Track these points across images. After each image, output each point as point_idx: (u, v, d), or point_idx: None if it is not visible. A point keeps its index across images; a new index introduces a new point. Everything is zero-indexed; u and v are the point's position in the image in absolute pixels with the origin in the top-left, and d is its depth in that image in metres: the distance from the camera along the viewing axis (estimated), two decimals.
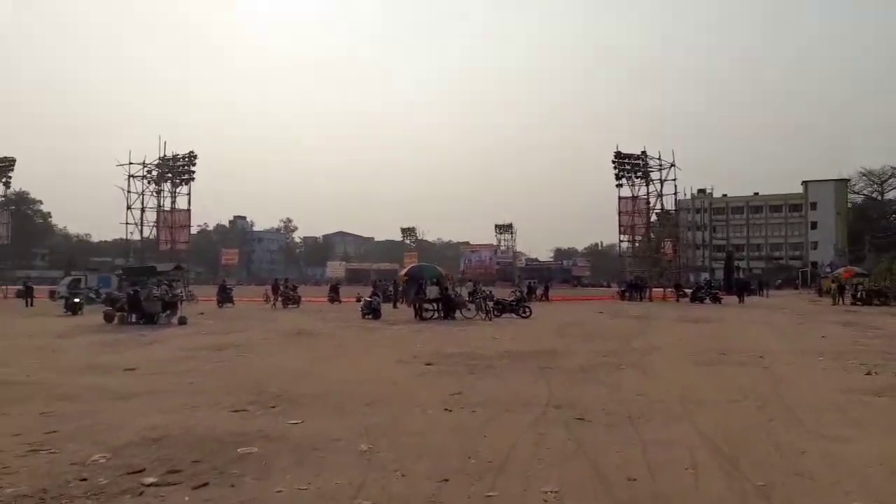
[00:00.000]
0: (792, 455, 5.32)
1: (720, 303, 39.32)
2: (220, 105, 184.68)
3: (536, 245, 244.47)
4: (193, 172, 46.67)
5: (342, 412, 7.09)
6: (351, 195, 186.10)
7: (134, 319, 21.69)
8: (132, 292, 21.79)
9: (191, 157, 46.53)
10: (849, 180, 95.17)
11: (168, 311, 22.21)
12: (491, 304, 25.02)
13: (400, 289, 32.54)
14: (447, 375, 9.75)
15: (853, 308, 34.85)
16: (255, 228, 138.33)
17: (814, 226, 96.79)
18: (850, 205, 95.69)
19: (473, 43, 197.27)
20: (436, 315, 23.94)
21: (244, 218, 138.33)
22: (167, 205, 47.23)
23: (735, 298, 45.52)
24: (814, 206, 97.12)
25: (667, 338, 16.60)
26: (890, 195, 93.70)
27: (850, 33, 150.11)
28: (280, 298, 33.56)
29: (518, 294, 27.65)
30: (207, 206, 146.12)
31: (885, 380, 9.43)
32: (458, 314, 24.17)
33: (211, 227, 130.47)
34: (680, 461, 5.10)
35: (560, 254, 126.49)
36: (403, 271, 29.65)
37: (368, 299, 25.00)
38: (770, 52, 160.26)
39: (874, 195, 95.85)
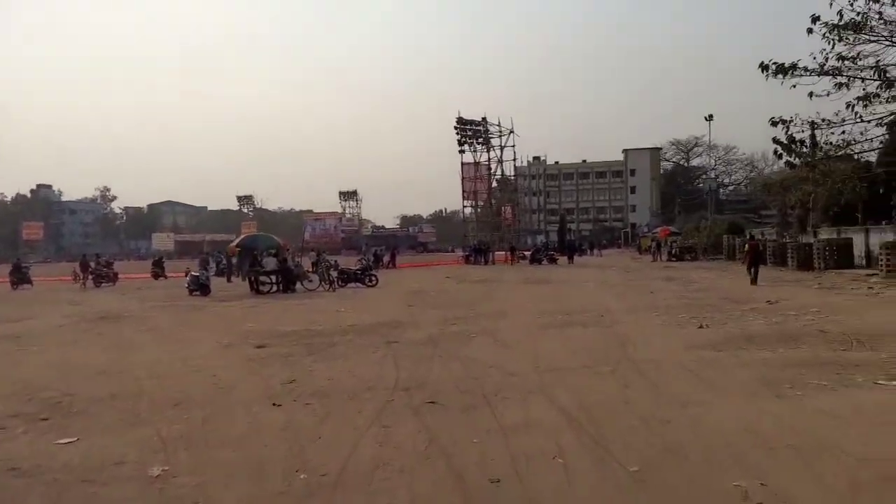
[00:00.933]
0: (658, 427, 4.89)
1: (556, 263, 41.45)
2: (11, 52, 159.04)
3: (382, 213, 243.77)
4: None
5: (136, 420, 5.62)
6: (180, 161, 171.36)
7: None
8: None
9: None
10: (661, 149, 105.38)
11: None
12: (335, 273, 23.73)
13: (234, 261, 29.94)
14: (280, 359, 8.48)
15: (670, 264, 38.37)
16: (65, 199, 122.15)
17: (633, 190, 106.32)
18: (662, 171, 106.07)
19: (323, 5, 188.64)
20: (274, 289, 22.16)
21: (49, 187, 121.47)
22: None
23: (577, 258, 48.49)
24: (633, 172, 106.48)
25: (512, 301, 16.57)
26: (694, 162, 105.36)
27: (660, 20, 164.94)
28: (91, 277, 29.53)
29: (364, 262, 26.61)
30: (4, 173, 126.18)
31: (716, 333, 9.76)
32: (299, 286, 22.60)
33: (8, 198, 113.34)
34: (545, 450, 4.43)
35: (406, 221, 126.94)
36: (235, 242, 27.10)
37: (195, 274, 22.51)
38: (604, 30, 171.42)
39: (682, 162, 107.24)
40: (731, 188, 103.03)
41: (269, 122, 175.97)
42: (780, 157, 20.49)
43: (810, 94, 17.91)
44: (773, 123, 19.82)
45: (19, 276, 29.86)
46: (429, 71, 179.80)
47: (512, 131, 49.64)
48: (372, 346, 9.41)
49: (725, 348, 8.33)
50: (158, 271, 34.61)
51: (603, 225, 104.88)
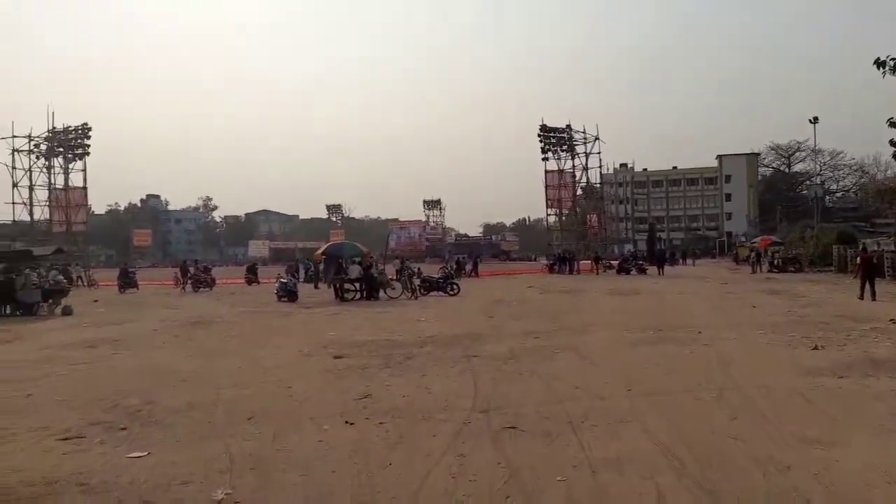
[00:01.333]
0: (776, 474, 4.19)
1: (646, 273, 39.66)
2: (125, 73, 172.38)
3: (465, 221, 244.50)
4: (88, 146, 42.48)
5: (209, 434, 5.50)
6: (275, 173, 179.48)
7: (8, 311, 19.00)
8: (3, 280, 18.98)
9: (84, 130, 42.27)
10: (759, 154, 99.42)
11: (50, 301, 19.59)
12: (417, 282, 23.66)
13: (321, 268, 30.60)
14: (357, 372, 8.26)
15: (771, 275, 35.78)
16: (171, 208, 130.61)
17: (728, 198, 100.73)
18: (760, 177, 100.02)
19: (396, 18, 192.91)
20: (358, 296, 22.35)
21: (157, 197, 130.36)
22: (60, 182, 42.92)
23: (667, 268, 46.34)
24: (728, 179, 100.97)
25: (599, 313, 15.75)
26: (796, 168, 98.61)
27: (760, 23, 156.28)
28: (190, 282, 31.07)
29: (446, 271, 26.42)
30: (118, 184, 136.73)
31: (835, 355, 8.70)
32: (382, 294, 22.70)
33: (122, 208, 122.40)
34: (641, 493, 3.86)
35: (489, 229, 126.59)
36: (321, 249, 27.66)
37: (283, 280, 23.07)
38: (691, 39, 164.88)
39: (782, 168, 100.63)
40: (838, 195, 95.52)
41: (356, 133, 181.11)
42: None
43: None
44: (892, 124, 18.00)
45: (126, 281, 31.86)
46: (513, 77, 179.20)
47: (597, 138, 48.16)
48: (450, 360, 9.04)
49: (848, 374, 7.33)
50: (252, 277, 35.94)
51: (696, 234, 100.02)
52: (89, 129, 42.32)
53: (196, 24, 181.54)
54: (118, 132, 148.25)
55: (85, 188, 43.09)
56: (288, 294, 22.17)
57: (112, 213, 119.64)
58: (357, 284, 22.59)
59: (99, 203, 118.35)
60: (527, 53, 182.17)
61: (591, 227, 52.77)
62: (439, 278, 24.26)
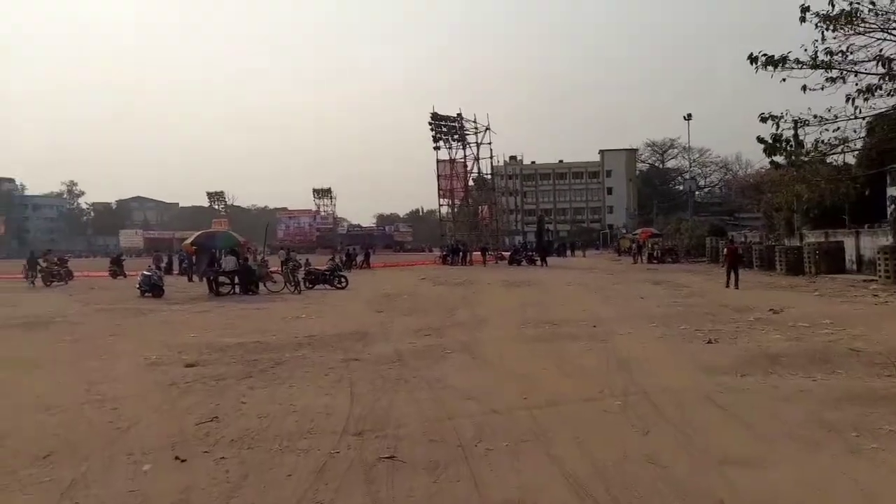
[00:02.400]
0: None
1: (535, 264, 40.14)
2: None
3: (358, 211, 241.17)
4: None
5: None
6: (155, 157, 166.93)
7: None
8: None
9: None
10: (637, 150, 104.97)
11: None
12: (301, 274, 22.04)
13: (194, 260, 28.01)
14: (209, 385, 6.86)
15: (652, 266, 37.31)
16: (29, 193, 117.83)
17: (609, 191, 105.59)
18: (638, 172, 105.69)
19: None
20: (234, 290, 20.43)
21: (11, 180, 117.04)
22: None
23: (555, 259, 47.21)
24: (609, 173, 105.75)
25: (492, 307, 15.09)
26: (669, 164, 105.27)
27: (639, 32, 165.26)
28: (40, 275, 27.48)
29: (333, 262, 24.87)
30: None
31: (731, 350, 8.41)
32: (262, 288, 20.89)
33: None
34: None
35: (382, 219, 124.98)
36: (190, 239, 25.14)
37: (147, 273, 20.63)
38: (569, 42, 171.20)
39: (657, 164, 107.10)
40: (706, 190, 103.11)
41: (246, 116, 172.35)
42: (768, 154, 19.47)
43: (804, 88, 16.88)
44: (763, 119, 18.66)
45: None
46: (410, 69, 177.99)
47: (488, 128, 48.26)
48: (326, 366, 7.84)
49: (751, 372, 6.94)
50: (116, 270, 32.49)
51: (580, 226, 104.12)
52: None
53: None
54: None
55: None
56: (152, 288, 19.84)
57: None
58: (232, 277, 20.66)
59: None
60: (428, 46, 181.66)
61: (482, 218, 53.01)
62: (325, 270, 22.76)
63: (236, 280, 20.51)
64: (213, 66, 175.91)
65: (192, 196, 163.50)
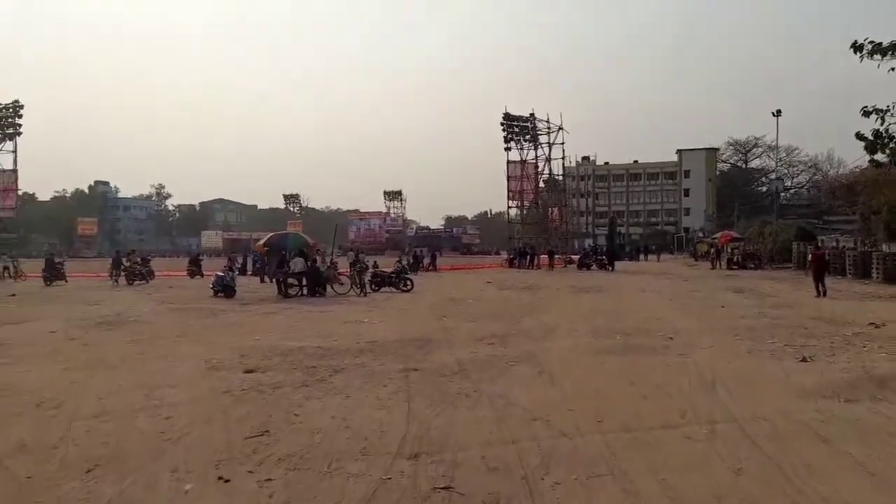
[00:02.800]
0: None
1: (607, 269, 38.84)
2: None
3: (427, 213, 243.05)
4: (20, 126, 39.37)
5: (16, 499, 3.87)
6: (234, 161, 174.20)
7: None
8: None
9: (15, 108, 39.14)
10: (718, 149, 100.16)
11: None
12: (368, 276, 22.05)
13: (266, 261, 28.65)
14: (263, 394, 6.67)
15: (732, 272, 35.35)
16: (122, 195, 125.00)
17: (686, 193, 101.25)
18: (718, 172, 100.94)
19: (351, 7, 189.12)
20: (301, 292, 20.64)
21: (107, 183, 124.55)
22: None
23: (627, 263, 45.68)
24: (687, 173, 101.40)
25: (561, 314, 14.44)
26: (753, 164, 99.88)
27: (722, 26, 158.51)
28: (123, 274, 28.79)
29: (399, 265, 24.80)
30: (65, 169, 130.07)
31: (828, 370, 7.52)
32: (329, 290, 21.02)
33: (69, 194, 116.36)
34: None
35: (450, 221, 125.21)
36: (262, 241, 25.61)
37: (220, 273, 21.15)
38: (653, 32, 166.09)
39: (739, 163, 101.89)
40: (792, 191, 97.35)
41: (318, 122, 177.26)
42: (870, 151, 17.92)
43: None
44: (866, 113, 17.09)
45: (52, 272, 29.32)
46: (477, 70, 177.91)
47: (561, 128, 47.19)
48: (385, 376, 7.53)
49: (856, 398, 6.12)
50: (195, 269, 33.69)
51: (655, 228, 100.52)
52: (21, 107, 39.19)
53: (150, 14, 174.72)
54: (67, 116, 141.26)
55: (15, 170, 39.93)
56: (224, 289, 20.29)
57: (58, 199, 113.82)
58: (300, 279, 20.87)
59: (44, 190, 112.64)
60: (496, 47, 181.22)
61: (552, 220, 51.90)
62: (391, 273, 22.67)
63: (304, 282, 20.73)
64: (288, 68, 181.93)
65: (271, 198, 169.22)
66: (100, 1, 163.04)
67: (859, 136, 18.27)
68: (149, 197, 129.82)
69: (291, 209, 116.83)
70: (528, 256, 40.78)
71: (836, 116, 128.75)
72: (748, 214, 72.90)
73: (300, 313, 15.15)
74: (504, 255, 49.32)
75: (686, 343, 9.79)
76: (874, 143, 18.02)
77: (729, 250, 40.23)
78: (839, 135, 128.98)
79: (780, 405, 5.94)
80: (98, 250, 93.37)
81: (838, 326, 11.54)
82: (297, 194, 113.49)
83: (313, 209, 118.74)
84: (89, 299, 19.75)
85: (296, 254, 21.41)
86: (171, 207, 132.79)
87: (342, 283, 21.30)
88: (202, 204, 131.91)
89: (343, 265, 31.58)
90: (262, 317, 14.69)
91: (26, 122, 38.16)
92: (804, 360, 8.27)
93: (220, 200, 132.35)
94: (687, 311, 14.61)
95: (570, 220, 56.97)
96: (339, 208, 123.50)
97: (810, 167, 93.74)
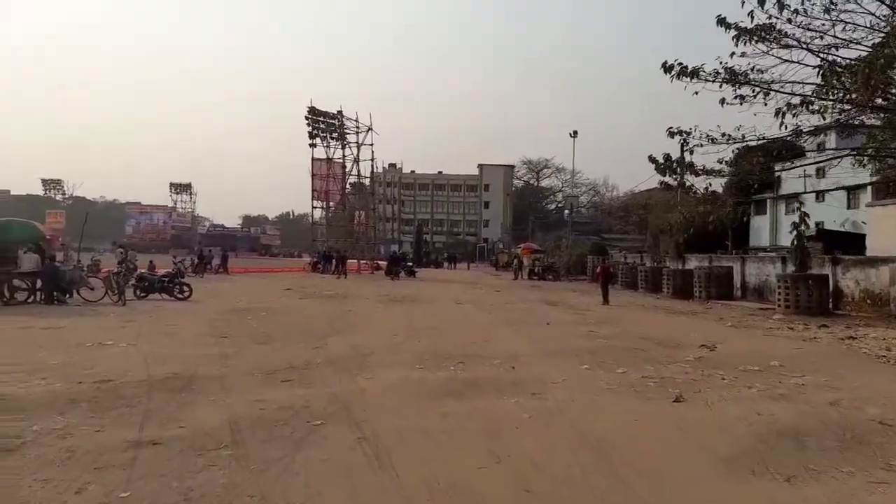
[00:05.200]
0: None
1: (415, 276, 37.50)
2: None
3: (222, 210, 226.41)
4: None
5: None
6: None
7: None
8: None
9: None
10: (514, 167, 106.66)
11: None
12: (132, 280, 17.60)
13: None
14: None
15: (533, 282, 36.07)
16: None
17: (486, 205, 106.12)
18: (514, 188, 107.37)
19: None
20: (32, 298, 15.65)
21: None
22: None
23: (434, 270, 44.94)
24: (487, 187, 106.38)
25: (374, 331, 11.98)
26: (544, 182, 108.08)
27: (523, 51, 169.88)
28: None
29: (177, 266, 20.48)
30: None
31: (726, 420, 5.99)
32: (75, 295, 16.25)
33: None
34: None
35: (248, 220, 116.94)
36: None
37: None
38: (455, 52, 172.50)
39: (532, 182, 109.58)
40: (577, 210, 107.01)
41: (96, 105, 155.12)
42: (661, 173, 18.42)
43: (722, 102, 15.86)
44: (671, 134, 17.57)
45: None
46: (285, 69, 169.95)
47: (370, 128, 45.05)
48: (96, 458, 4.39)
49: (791, 470, 4.50)
50: None
51: (457, 237, 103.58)
52: None
53: None
54: None
55: None
56: None
57: None
58: (33, 281, 15.85)
59: None
60: (308, 47, 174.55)
61: (359, 224, 49.40)
62: (163, 276, 18.41)
63: (38, 284, 15.76)
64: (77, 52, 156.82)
65: (29, 184, 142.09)
66: None
67: (652, 160, 18.72)
68: None
69: (57, 197, 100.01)
70: (334, 261, 37.86)
71: (617, 141, 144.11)
72: (541, 229, 77.67)
73: (12, 330, 10.78)
74: (308, 258, 45.75)
75: (533, 376, 7.92)
76: (664, 167, 18.56)
77: (531, 262, 41.32)
78: (618, 160, 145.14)
79: (706, 486, 4.09)
80: None
81: (672, 349, 10.65)
82: (59, 180, 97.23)
83: (83, 199, 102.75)
84: None
85: (27, 249, 16.18)
86: None
87: (92, 288, 16.64)
88: None
89: (108, 263, 26.06)
90: None
91: None
92: (678, 399, 6.77)
93: None
94: (515, 329, 13.06)
95: (376, 225, 54.97)
96: (116, 199, 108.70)
97: (590, 189, 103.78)
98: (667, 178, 19.47)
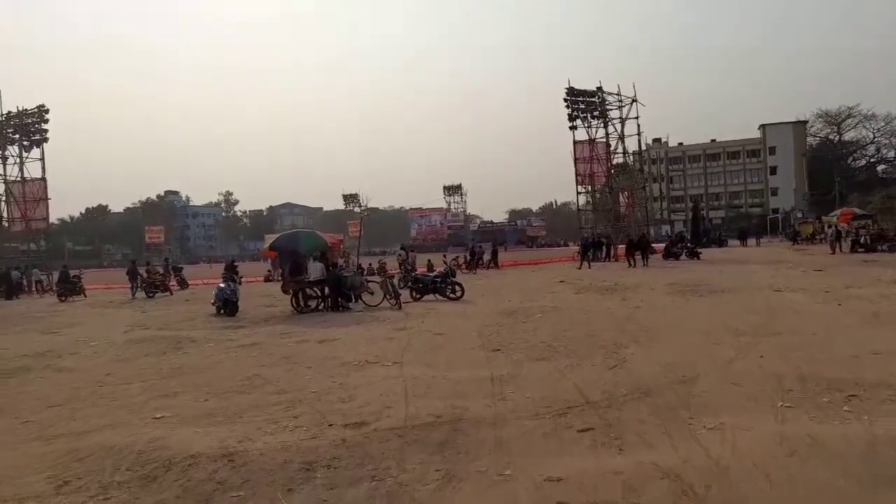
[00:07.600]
0: None
1: (698, 258, 32.61)
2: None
3: (490, 207, 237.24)
4: (46, 132, 36.88)
5: None
6: (299, 166, 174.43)
7: None
8: None
9: (41, 112, 36.69)
10: (806, 122, 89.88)
11: None
12: (404, 283, 17.33)
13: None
14: None
15: (863, 255, 28.53)
16: (193, 204, 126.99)
17: (773, 171, 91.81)
18: (808, 147, 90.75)
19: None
20: (321, 305, 16.13)
21: (176, 193, 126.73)
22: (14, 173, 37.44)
23: (715, 250, 39.51)
24: (772, 150, 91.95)
25: (684, 338, 9.07)
26: (847, 136, 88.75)
27: None
28: (141, 286, 25.52)
29: (448, 266, 19.88)
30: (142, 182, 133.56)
31: None
32: (357, 301, 16.40)
33: (139, 204, 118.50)
34: None
35: (514, 214, 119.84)
36: (267, 243, 20.60)
37: (221, 285, 16.91)
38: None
39: (831, 136, 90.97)
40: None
41: (377, 120, 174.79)
42: None
43: None
44: None
45: (67, 287, 26.33)
46: (537, 56, 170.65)
47: (634, 100, 40.81)
48: None
49: None
50: (227, 276, 30.11)
51: (738, 211, 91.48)
52: (46, 111, 36.66)
53: (210, 13, 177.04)
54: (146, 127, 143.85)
55: (44, 180, 37.43)
56: (225, 305, 16.02)
57: (130, 211, 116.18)
58: (322, 289, 16.33)
59: (117, 203, 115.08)
60: (554, 25, 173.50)
61: (628, 205, 45.25)
62: (436, 276, 17.77)
63: (325, 292, 16.19)
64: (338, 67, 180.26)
65: (337, 200, 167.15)
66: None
67: None
68: (217, 204, 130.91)
69: (356, 210, 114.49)
70: (605, 247, 34.97)
71: None
72: (847, 190, 63.88)
73: (285, 347, 10.44)
74: (575, 247, 43.47)
75: None
76: None
77: (854, 231, 33.12)
78: None
79: None
80: (165, 257, 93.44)
81: None
82: (355, 194, 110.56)
83: (375, 209, 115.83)
84: (55, 323, 15.90)
85: (314, 258, 16.70)
86: (239, 213, 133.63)
87: (372, 293, 16.61)
88: (270, 208, 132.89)
89: (391, 266, 27.13)
90: (241, 350, 10.10)
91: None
92: None
93: (288, 204, 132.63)
94: (879, 329, 8.96)
95: (644, 205, 50.08)
96: (401, 207, 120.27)
97: None
98: None
